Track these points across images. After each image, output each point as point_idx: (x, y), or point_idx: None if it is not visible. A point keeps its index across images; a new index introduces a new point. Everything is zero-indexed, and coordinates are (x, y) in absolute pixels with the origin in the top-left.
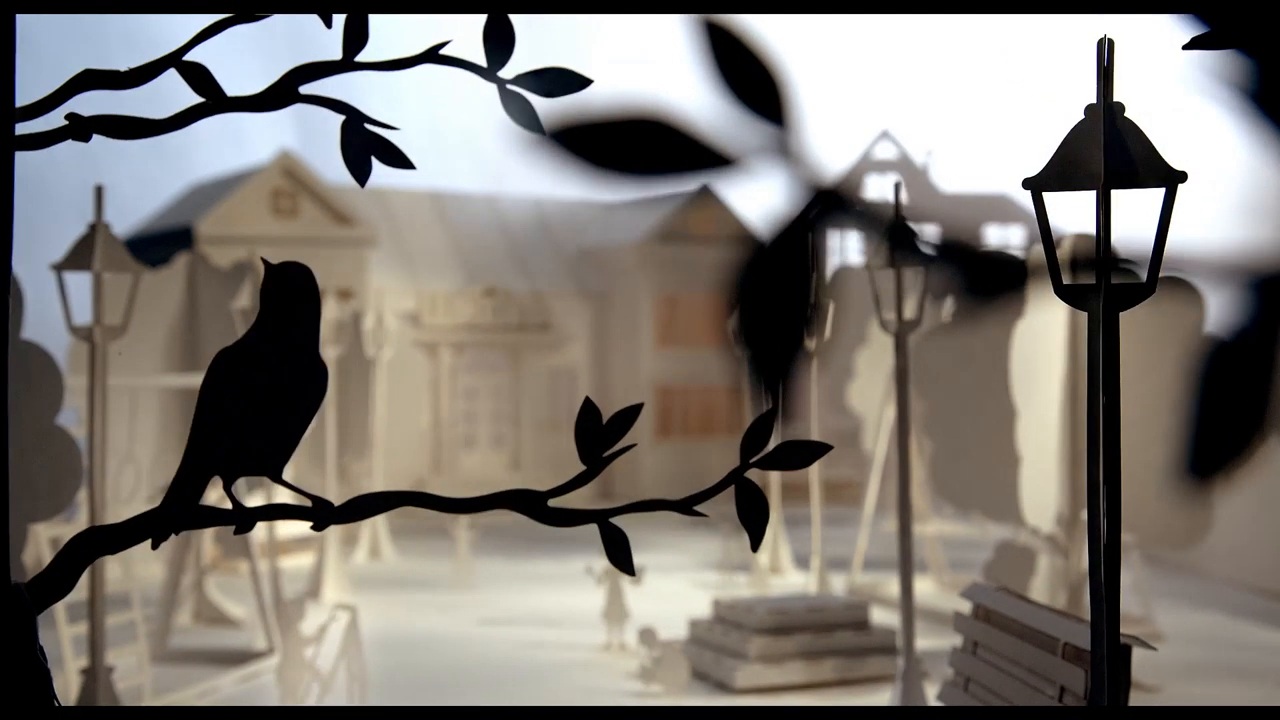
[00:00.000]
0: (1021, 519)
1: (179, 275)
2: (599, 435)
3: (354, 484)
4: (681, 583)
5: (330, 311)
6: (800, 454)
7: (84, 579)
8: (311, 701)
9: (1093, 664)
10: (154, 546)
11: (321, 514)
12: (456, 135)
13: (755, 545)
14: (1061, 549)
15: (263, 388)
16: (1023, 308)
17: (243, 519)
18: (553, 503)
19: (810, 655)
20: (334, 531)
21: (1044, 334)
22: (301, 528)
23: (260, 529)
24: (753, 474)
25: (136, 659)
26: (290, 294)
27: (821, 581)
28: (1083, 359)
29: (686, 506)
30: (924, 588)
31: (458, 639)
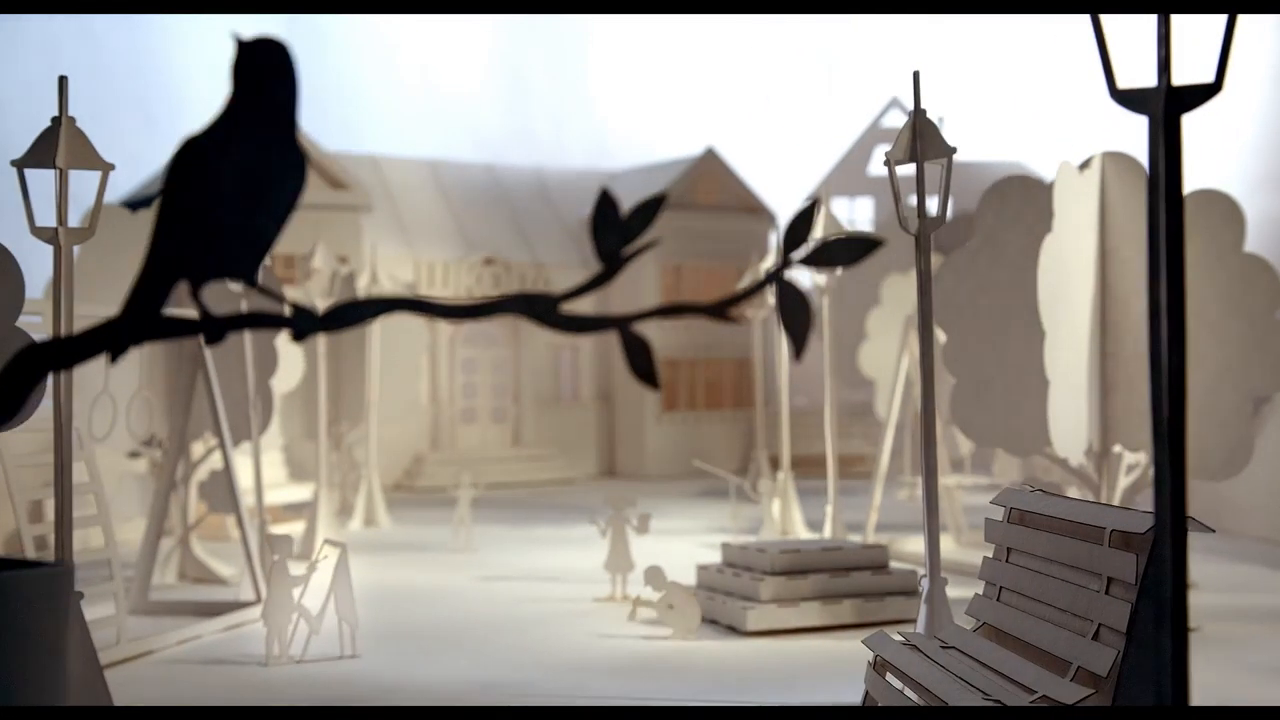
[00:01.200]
0: (1049, 448)
1: None
2: (618, 229)
3: (348, 453)
4: (688, 543)
5: (324, 263)
6: (848, 250)
7: (50, 477)
8: (299, 645)
9: (1156, 521)
10: (112, 360)
11: (303, 320)
12: (454, 103)
13: (798, 351)
14: (1092, 485)
15: (233, 178)
16: (1050, 222)
17: (212, 328)
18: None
19: (827, 597)
20: (325, 500)
21: (1073, 251)
22: (291, 494)
23: (248, 493)
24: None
25: (114, 605)
26: (263, 72)
27: (835, 530)
28: (1114, 282)
29: (719, 310)
30: (943, 545)
31: (456, 593)
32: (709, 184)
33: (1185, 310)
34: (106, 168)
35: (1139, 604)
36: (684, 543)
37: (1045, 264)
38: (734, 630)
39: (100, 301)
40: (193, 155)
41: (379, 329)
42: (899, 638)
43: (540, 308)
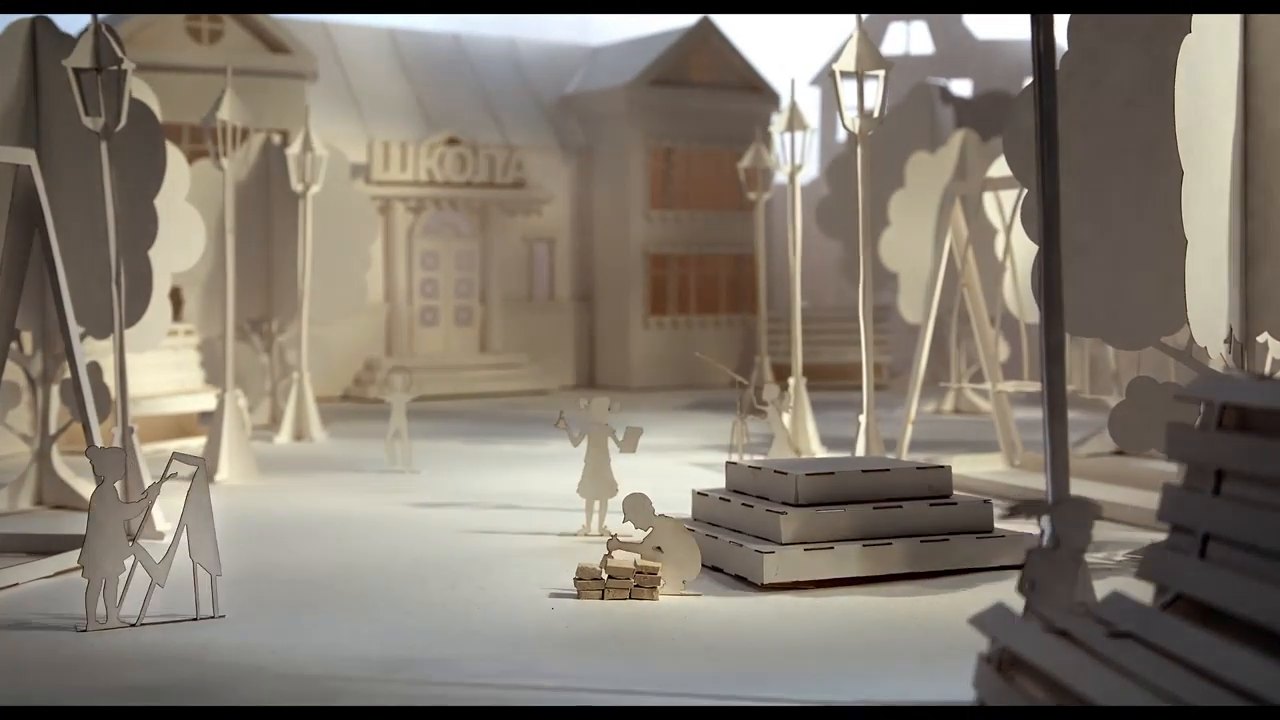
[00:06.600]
0: (1174, 336)
1: (19, 42)
2: None
3: (280, 355)
4: (680, 463)
5: (235, 118)
6: None
7: None
8: (133, 603)
9: None
10: None
11: None
12: None
13: None
14: None
15: None
16: (1188, 21)
17: None
18: None
19: (870, 536)
20: (232, 409)
21: (1212, 69)
22: (206, 402)
23: (142, 399)
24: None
25: None
26: None
27: (873, 447)
28: (1262, 112)
29: None
30: (991, 467)
31: (380, 525)
32: (704, 58)
33: None
34: None
35: None
36: (675, 462)
37: (1184, 76)
38: (745, 582)
39: None
40: None
41: (315, 211)
42: (1030, 616)
43: None
